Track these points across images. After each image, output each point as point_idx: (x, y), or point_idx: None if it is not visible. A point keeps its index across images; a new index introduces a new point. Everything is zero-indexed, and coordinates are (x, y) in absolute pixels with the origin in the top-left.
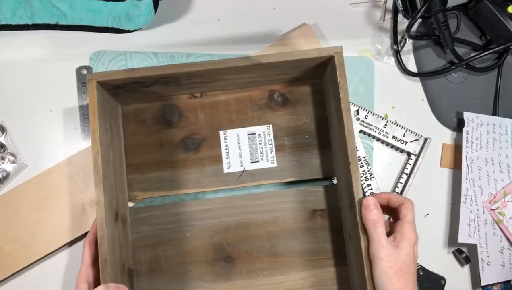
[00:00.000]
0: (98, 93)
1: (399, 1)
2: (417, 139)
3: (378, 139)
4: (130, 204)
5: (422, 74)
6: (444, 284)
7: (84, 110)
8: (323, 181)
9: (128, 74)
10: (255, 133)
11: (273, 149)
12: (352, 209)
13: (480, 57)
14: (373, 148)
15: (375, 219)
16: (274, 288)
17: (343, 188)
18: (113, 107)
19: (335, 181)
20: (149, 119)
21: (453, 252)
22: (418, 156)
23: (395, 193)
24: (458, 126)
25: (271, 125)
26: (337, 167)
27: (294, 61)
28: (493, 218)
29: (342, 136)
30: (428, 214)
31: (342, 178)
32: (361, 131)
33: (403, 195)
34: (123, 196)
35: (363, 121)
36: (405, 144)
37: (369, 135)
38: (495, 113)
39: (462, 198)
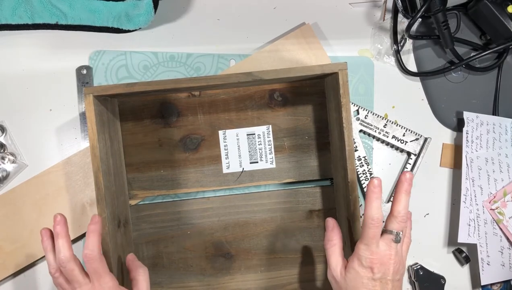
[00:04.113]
0: (96, 107)
1: (399, 1)
2: (417, 139)
3: (378, 139)
4: (131, 202)
5: (422, 74)
6: (444, 284)
7: (83, 110)
8: (320, 182)
9: (126, 89)
10: (254, 134)
11: (272, 150)
12: (348, 221)
13: (480, 57)
14: (373, 148)
15: (327, 241)
16: (271, 282)
17: (339, 192)
18: (111, 110)
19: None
20: (147, 117)
21: (453, 252)
22: (418, 155)
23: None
24: (458, 125)
25: (270, 126)
26: (335, 171)
27: (296, 76)
28: (493, 218)
29: (343, 152)
30: (428, 214)
31: (340, 183)
32: (361, 131)
33: None
34: (124, 198)
35: (363, 121)
36: (405, 144)
37: (369, 135)
38: (495, 112)
39: (462, 198)
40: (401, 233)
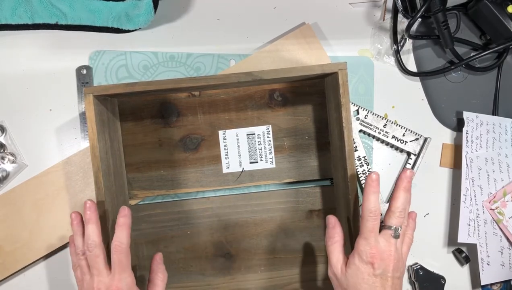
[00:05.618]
0: (96, 107)
1: (399, 1)
2: (417, 139)
3: (378, 139)
4: (131, 202)
5: (422, 74)
6: (444, 284)
7: (83, 110)
8: (320, 182)
9: (126, 89)
10: (254, 134)
11: (272, 150)
12: (348, 221)
13: (480, 56)
14: (373, 148)
15: (328, 239)
16: (271, 282)
17: (339, 192)
18: (111, 110)
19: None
20: (147, 117)
21: (453, 252)
22: (418, 155)
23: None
24: (458, 125)
25: (270, 126)
26: (335, 170)
27: (296, 76)
28: (492, 218)
29: (343, 152)
30: (428, 214)
31: (340, 183)
32: (361, 130)
33: None
34: (124, 198)
35: (363, 121)
36: (405, 144)
37: (369, 134)
38: (495, 112)
39: (462, 198)
40: (399, 228)
